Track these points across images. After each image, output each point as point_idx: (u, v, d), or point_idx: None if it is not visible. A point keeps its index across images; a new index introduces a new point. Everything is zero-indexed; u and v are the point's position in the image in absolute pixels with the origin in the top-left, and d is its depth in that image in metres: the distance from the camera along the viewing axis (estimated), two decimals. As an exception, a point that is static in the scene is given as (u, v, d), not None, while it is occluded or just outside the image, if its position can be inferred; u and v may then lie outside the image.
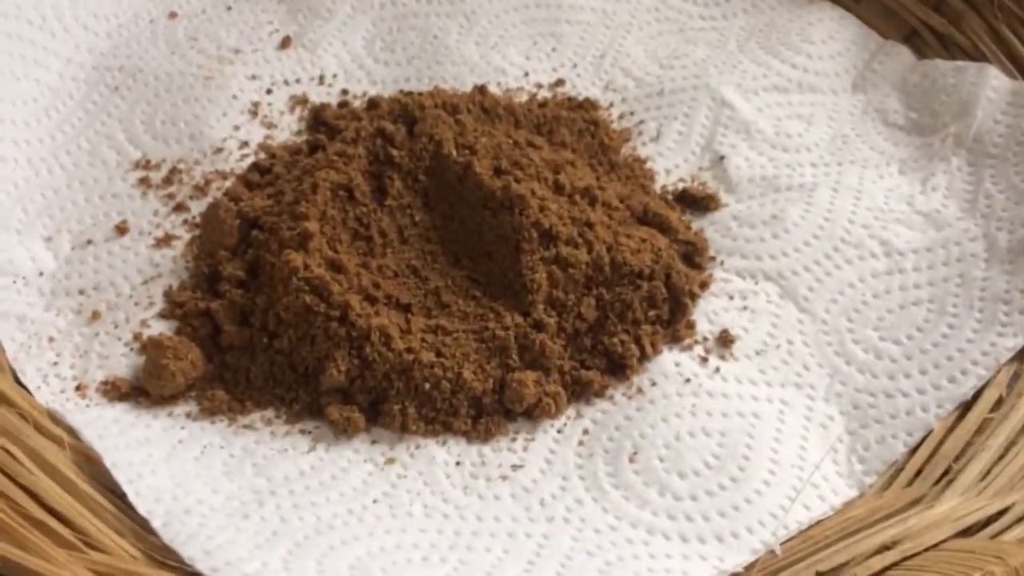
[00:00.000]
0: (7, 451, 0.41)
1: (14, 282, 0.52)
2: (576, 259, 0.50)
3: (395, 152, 0.54)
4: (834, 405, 0.49)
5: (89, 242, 0.55)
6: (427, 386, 0.47)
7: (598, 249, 0.51)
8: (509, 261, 0.51)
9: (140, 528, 0.41)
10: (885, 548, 0.40)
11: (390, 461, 0.46)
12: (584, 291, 0.50)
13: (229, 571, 0.38)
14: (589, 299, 0.50)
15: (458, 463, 0.47)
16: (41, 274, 0.53)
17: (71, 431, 0.45)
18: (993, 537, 0.39)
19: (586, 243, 0.51)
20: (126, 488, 0.42)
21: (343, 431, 0.47)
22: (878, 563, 0.39)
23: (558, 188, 0.53)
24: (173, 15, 0.65)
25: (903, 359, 0.50)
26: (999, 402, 0.48)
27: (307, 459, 0.46)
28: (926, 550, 0.39)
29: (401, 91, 0.61)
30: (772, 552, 0.43)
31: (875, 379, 0.50)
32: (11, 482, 0.40)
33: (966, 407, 0.48)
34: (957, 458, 0.46)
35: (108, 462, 0.43)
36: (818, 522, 0.45)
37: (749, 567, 0.43)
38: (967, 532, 0.40)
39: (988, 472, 0.44)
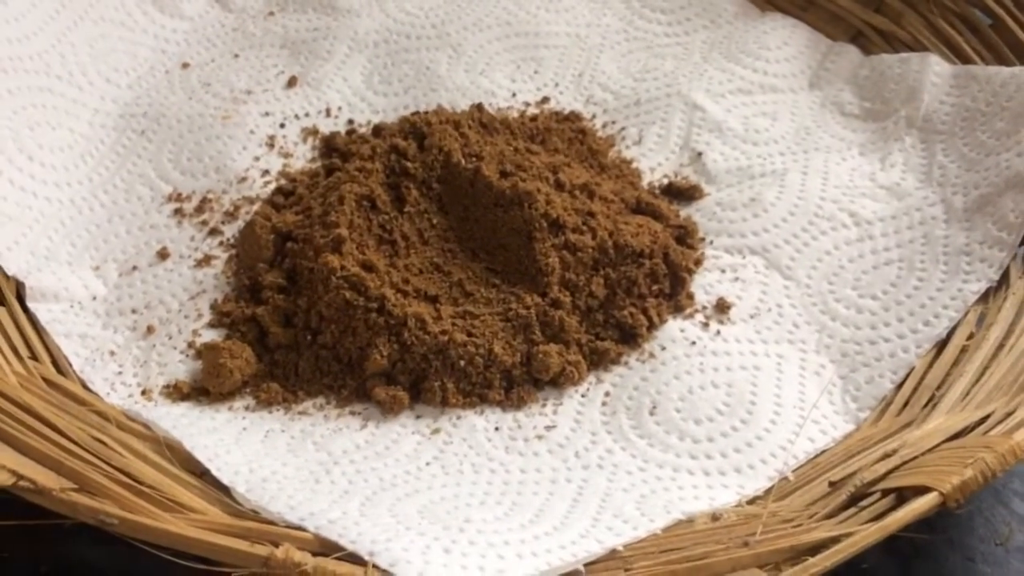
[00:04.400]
0: (98, 439, 0.45)
1: (71, 306, 0.57)
2: (584, 244, 0.55)
3: (409, 164, 0.59)
4: (824, 355, 0.55)
5: (135, 268, 0.59)
6: (462, 363, 0.52)
7: (601, 235, 0.56)
8: (523, 250, 0.56)
9: (225, 498, 0.45)
10: (887, 456, 0.45)
11: (436, 431, 0.51)
12: (593, 272, 0.55)
13: (314, 519, 0.43)
14: (598, 278, 0.55)
15: (497, 428, 0.51)
16: (94, 299, 0.58)
17: (145, 426, 0.50)
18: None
19: (590, 230, 0.56)
20: (208, 464, 0.46)
21: (390, 409, 0.52)
22: (883, 467, 0.43)
23: (559, 185, 0.58)
24: (186, 65, 0.71)
25: (881, 311, 0.56)
26: (971, 337, 0.53)
27: (361, 435, 0.51)
28: (923, 453, 0.44)
29: (402, 115, 0.67)
30: (785, 478, 0.48)
31: (859, 330, 0.55)
32: (107, 464, 0.44)
33: (942, 345, 0.53)
34: (939, 386, 0.51)
35: (188, 445, 0.47)
36: (822, 452, 0.50)
37: (767, 491, 0.48)
38: (956, 436, 0.45)
39: (968, 393, 0.49)
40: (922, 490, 0.41)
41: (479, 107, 0.65)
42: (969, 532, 0.51)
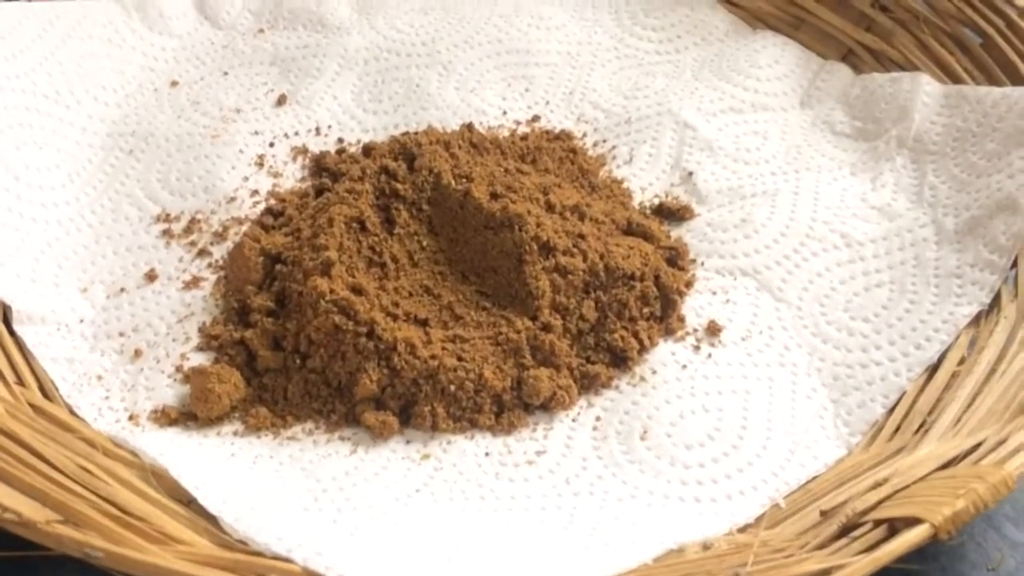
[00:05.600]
0: (84, 468, 0.44)
1: (58, 329, 0.56)
2: (574, 267, 0.55)
3: (399, 186, 0.58)
4: (816, 379, 0.54)
5: (122, 290, 0.59)
6: (452, 387, 0.52)
7: (592, 257, 0.56)
8: (513, 273, 0.56)
9: (212, 527, 0.45)
10: (878, 485, 0.44)
11: (426, 456, 0.51)
12: (583, 295, 0.55)
13: (301, 550, 0.42)
14: (589, 301, 0.55)
15: (487, 454, 0.51)
16: (81, 321, 0.57)
17: (133, 453, 0.49)
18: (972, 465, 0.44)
19: (581, 252, 0.56)
20: (195, 493, 0.46)
21: (379, 434, 0.51)
22: (874, 496, 0.43)
23: (549, 207, 0.58)
24: (175, 83, 0.70)
25: (873, 334, 0.55)
26: (962, 362, 0.53)
27: (350, 461, 0.50)
28: (914, 482, 0.44)
29: (392, 135, 0.66)
30: (777, 505, 0.48)
31: (850, 353, 0.55)
32: (93, 494, 0.43)
33: (933, 369, 0.53)
34: (931, 411, 0.51)
35: (175, 473, 0.47)
36: (814, 478, 0.50)
37: (759, 518, 0.47)
38: (948, 465, 0.45)
39: (959, 419, 0.49)
40: (913, 521, 0.40)
41: (469, 127, 0.65)
42: (961, 559, 0.51)
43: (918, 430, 0.50)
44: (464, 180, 0.58)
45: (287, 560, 0.42)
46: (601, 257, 0.56)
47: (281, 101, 0.69)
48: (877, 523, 0.42)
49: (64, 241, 0.61)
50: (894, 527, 0.41)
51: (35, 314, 0.56)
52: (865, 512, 0.43)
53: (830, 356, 0.55)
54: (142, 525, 0.42)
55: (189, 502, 0.46)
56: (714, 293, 0.58)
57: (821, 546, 0.42)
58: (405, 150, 0.60)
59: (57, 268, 0.59)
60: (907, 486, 0.44)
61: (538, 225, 0.56)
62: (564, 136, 0.67)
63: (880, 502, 0.43)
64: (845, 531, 0.42)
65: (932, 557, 0.50)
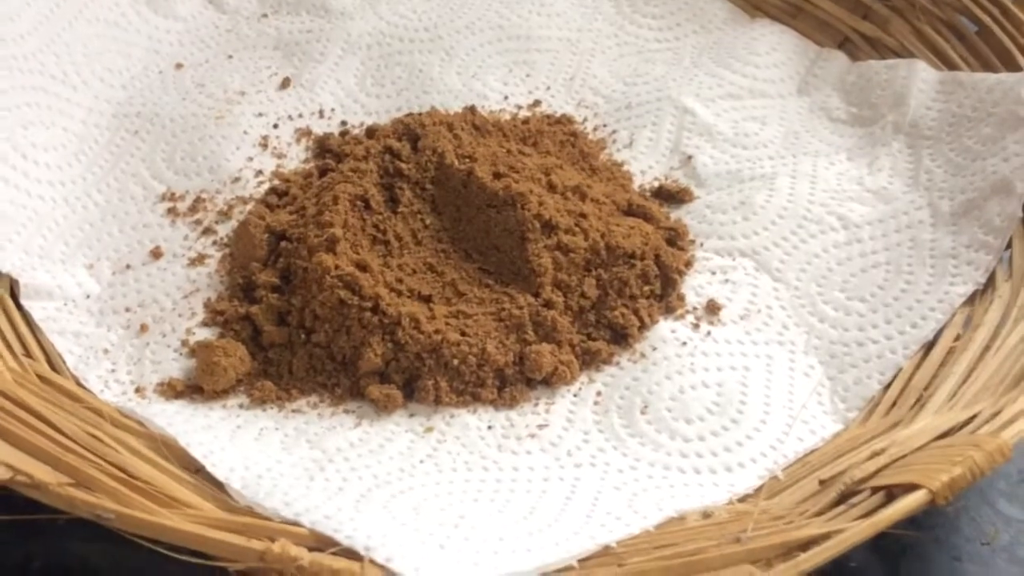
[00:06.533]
0: (93, 436, 0.45)
1: (65, 304, 0.57)
2: (576, 245, 0.56)
3: (403, 165, 0.59)
4: (813, 356, 0.55)
5: (128, 267, 0.59)
6: (456, 362, 0.52)
7: (593, 236, 0.56)
8: (516, 251, 0.56)
9: (220, 494, 0.45)
10: (875, 455, 0.45)
11: (429, 429, 0.51)
12: (584, 272, 0.56)
13: (309, 515, 0.43)
14: (590, 279, 0.56)
15: (490, 427, 0.52)
16: (88, 297, 0.58)
17: (139, 423, 0.50)
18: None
19: (582, 231, 0.56)
20: (203, 460, 0.46)
21: (383, 407, 0.52)
22: (872, 465, 0.44)
23: (551, 187, 0.59)
24: (179, 66, 0.71)
25: (869, 313, 0.56)
26: (957, 339, 0.53)
27: (355, 433, 0.51)
28: (912, 452, 0.44)
29: (396, 117, 0.67)
30: (776, 476, 0.49)
31: (846, 332, 0.56)
32: (103, 461, 0.44)
33: (929, 346, 0.54)
34: (927, 387, 0.51)
35: (182, 442, 0.47)
36: (812, 451, 0.50)
37: (758, 489, 0.48)
38: (944, 436, 0.45)
39: (955, 393, 0.49)
40: (911, 488, 0.41)
41: (472, 109, 0.66)
42: (956, 531, 0.51)
43: (914, 405, 0.51)
44: (467, 160, 0.59)
45: (295, 524, 0.42)
46: (602, 236, 0.56)
47: (285, 84, 0.70)
48: (875, 490, 0.42)
49: (71, 219, 0.61)
50: (892, 494, 0.42)
51: (42, 289, 0.57)
52: (863, 480, 0.43)
53: (827, 334, 0.56)
54: (151, 490, 0.43)
55: (197, 471, 0.47)
56: (713, 273, 0.59)
57: (820, 513, 0.43)
58: (409, 130, 0.61)
59: (64, 245, 0.60)
60: (904, 455, 0.44)
61: (540, 204, 0.57)
62: (565, 120, 0.68)
63: (878, 471, 0.44)
64: (843, 498, 0.43)
65: (927, 529, 0.51)
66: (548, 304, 0.55)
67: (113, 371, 0.54)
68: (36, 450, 0.42)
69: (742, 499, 0.48)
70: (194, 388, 0.53)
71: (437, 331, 0.53)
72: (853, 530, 0.40)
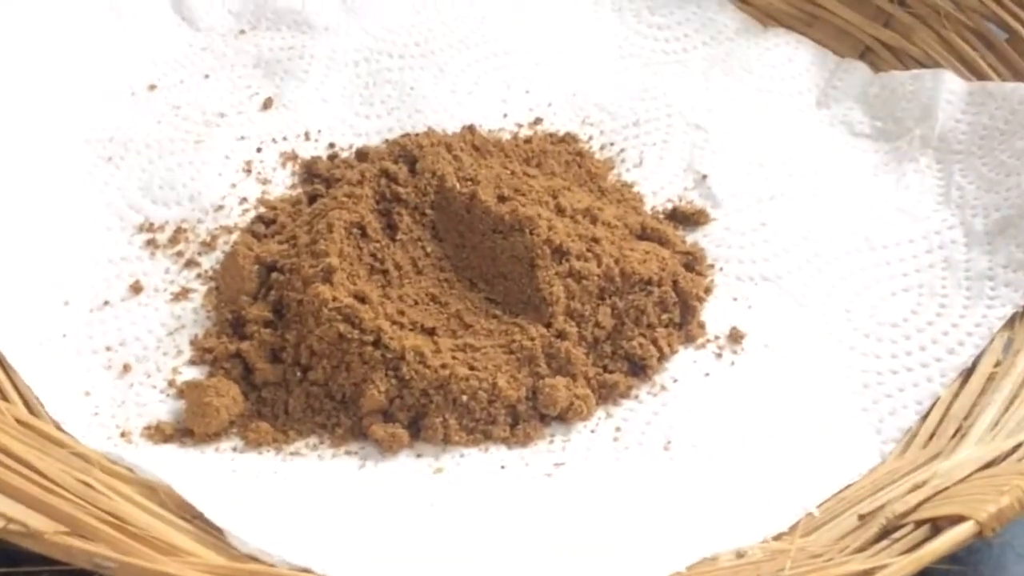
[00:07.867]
0: (83, 482, 0.46)
1: (41, 344, 0.58)
2: (589, 271, 0.58)
3: (400, 189, 0.61)
4: (845, 387, 0.57)
5: (106, 303, 0.61)
6: (465, 398, 0.54)
7: (607, 262, 0.58)
8: (525, 279, 0.58)
9: (220, 542, 0.47)
10: (917, 487, 0.47)
11: (438, 471, 0.53)
12: (599, 301, 0.58)
13: (320, 561, 0.44)
14: (605, 308, 0.58)
15: (503, 467, 0.53)
16: (64, 336, 0.59)
17: (129, 469, 0.51)
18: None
19: (595, 257, 0.58)
20: (200, 507, 0.48)
21: (389, 448, 0.54)
22: (914, 498, 0.46)
23: (560, 210, 0.61)
24: (152, 87, 0.73)
25: (902, 339, 0.58)
26: (997, 365, 0.56)
27: (359, 475, 0.52)
28: (955, 483, 0.46)
29: (389, 138, 0.69)
30: (811, 513, 0.51)
31: (879, 359, 0.58)
32: (97, 508, 0.45)
33: (968, 373, 0.56)
34: (967, 416, 0.54)
35: (177, 488, 0.49)
36: (848, 486, 0.52)
37: (793, 527, 0.50)
38: (988, 466, 0.48)
39: (997, 423, 0.52)
40: (957, 519, 0.43)
41: (471, 128, 0.68)
42: (1001, 568, 0.53)
43: (954, 435, 0.53)
44: (469, 183, 0.61)
45: (306, 571, 0.44)
46: (616, 262, 0.58)
47: (267, 105, 0.72)
48: (919, 524, 0.44)
49: (42, 253, 0.62)
50: (937, 527, 0.44)
51: (14, 329, 0.58)
52: (906, 514, 0.45)
53: (858, 363, 0.58)
54: (150, 537, 0.44)
55: (193, 517, 0.48)
56: (735, 299, 0.61)
57: (861, 548, 0.45)
58: (405, 152, 0.63)
59: (35, 281, 0.61)
60: (947, 487, 0.46)
61: (550, 228, 0.59)
62: (569, 139, 0.70)
63: (921, 503, 0.46)
64: (885, 533, 0.45)
65: (971, 565, 0.53)
66: (561, 335, 0.57)
67: (96, 415, 0.55)
68: (27, 498, 0.43)
69: (776, 537, 0.49)
70: (184, 431, 0.55)
71: (444, 365, 0.55)
72: (898, 565, 0.42)
